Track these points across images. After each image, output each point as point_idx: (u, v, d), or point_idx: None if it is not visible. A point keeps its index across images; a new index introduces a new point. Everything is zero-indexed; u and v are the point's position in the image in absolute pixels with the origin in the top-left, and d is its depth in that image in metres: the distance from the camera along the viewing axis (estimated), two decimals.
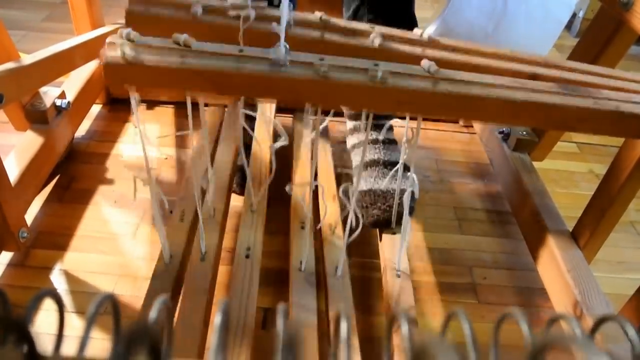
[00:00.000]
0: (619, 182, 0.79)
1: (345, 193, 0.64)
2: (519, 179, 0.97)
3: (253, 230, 0.75)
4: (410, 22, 0.99)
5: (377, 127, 0.93)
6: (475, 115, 0.52)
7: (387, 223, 0.80)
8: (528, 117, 0.52)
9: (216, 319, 0.17)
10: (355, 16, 0.92)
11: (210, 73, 0.47)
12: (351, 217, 0.63)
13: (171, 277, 0.66)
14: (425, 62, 0.53)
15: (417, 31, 0.60)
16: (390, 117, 0.92)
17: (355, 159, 0.93)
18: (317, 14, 0.57)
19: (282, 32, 0.49)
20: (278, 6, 0.53)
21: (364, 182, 0.85)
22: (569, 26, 1.91)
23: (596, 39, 0.89)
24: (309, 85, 0.47)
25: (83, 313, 0.77)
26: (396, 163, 0.86)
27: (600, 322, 0.21)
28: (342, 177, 0.97)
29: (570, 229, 0.87)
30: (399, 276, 0.73)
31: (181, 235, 0.73)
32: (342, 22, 0.57)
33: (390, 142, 0.93)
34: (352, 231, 0.65)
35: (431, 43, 0.58)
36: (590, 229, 0.83)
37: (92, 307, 0.17)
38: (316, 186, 0.68)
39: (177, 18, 0.57)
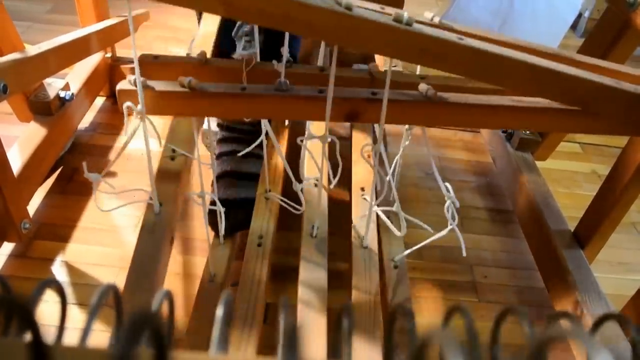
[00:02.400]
0: (622, 184, 0.78)
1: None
2: (522, 179, 0.97)
3: (266, 217, 0.74)
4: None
5: (242, 141, 0.89)
6: (495, 77, 0.48)
7: (242, 226, 0.79)
8: (548, 86, 0.48)
9: (218, 310, 0.17)
10: (236, 34, 0.89)
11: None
12: (375, 179, 0.60)
13: (162, 228, 0.61)
14: (422, 86, 0.52)
15: (427, 14, 0.59)
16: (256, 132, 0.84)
17: (217, 168, 0.89)
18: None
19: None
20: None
21: (217, 191, 0.83)
22: (574, 26, 1.90)
23: (602, 40, 0.89)
24: (329, 19, 0.42)
25: (84, 305, 0.77)
26: (249, 174, 0.86)
27: (602, 319, 0.21)
28: None
29: (572, 229, 0.87)
30: (396, 267, 0.72)
31: (172, 179, 0.66)
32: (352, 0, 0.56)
33: (248, 155, 0.91)
34: (378, 193, 0.62)
35: (442, 28, 0.58)
36: (592, 229, 0.83)
37: (95, 298, 0.17)
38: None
39: (183, 63, 0.57)
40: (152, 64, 0.55)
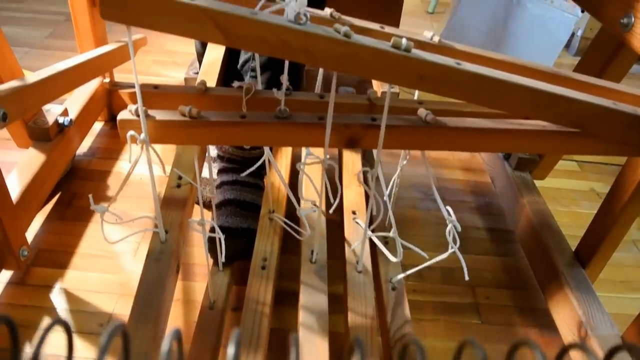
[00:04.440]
0: (621, 203, 0.79)
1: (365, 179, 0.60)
2: (521, 198, 0.97)
3: (270, 240, 0.73)
4: (298, 79, 0.98)
5: (243, 170, 0.88)
6: (495, 101, 0.48)
7: (242, 256, 0.80)
8: (547, 109, 0.48)
9: (229, 350, 0.17)
10: (242, 67, 0.92)
11: (221, 16, 0.42)
12: (371, 204, 0.60)
13: (169, 256, 0.61)
14: (421, 111, 0.53)
15: (427, 33, 0.60)
16: (257, 158, 0.84)
17: (218, 196, 0.89)
18: (328, 11, 0.57)
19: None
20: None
21: (217, 219, 0.84)
22: (567, 45, 1.92)
23: (597, 59, 0.90)
24: (328, 46, 0.43)
25: (83, 333, 0.76)
26: (251, 204, 0.86)
27: (613, 351, 0.21)
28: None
29: (573, 248, 0.87)
30: (394, 289, 0.72)
31: (178, 207, 0.66)
32: (353, 20, 0.57)
33: (250, 185, 0.91)
34: (373, 218, 0.62)
35: (441, 47, 0.58)
36: (594, 249, 0.83)
37: (103, 338, 0.17)
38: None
39: (183, 92, 0.57)
40: (152, 93, 0.55)
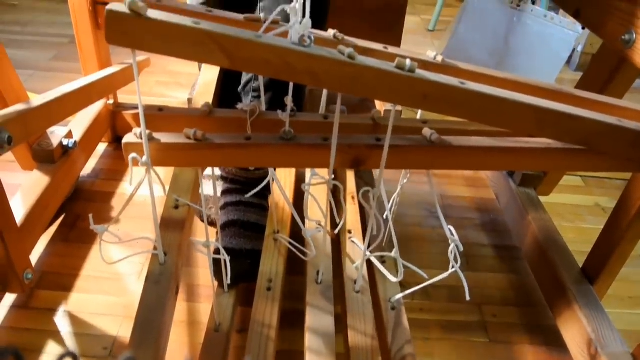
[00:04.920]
0: (628, 218, 0.78)
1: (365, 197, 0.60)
2: (526, 215, 0.96)
3: (275, 261, 0.73)
4: (300, 99, 0.98)
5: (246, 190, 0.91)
6: (500, 121, 0.48)
7: (247, 277, 0.79)
8: (551, 128, 0.49)
9: None
10: (244, 89, 0.92)
11: (226, 40, 0.42)
12: (371, 224, 0.60)
13: (168, 278, 0.61)
14: (426, 131, 0.53)
15: (430, 53, 0.60)
16: (261, 179, 0.84)
17: (222, 217, 0.89)
18: (332, 32, 0.57)
19: (299, 10, 0.46)
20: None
21: (221, 240, 0.84)
22: (568, 60, 1.93)
23: (599, 75, 0.90)
24: (332, 68, 0.43)
25: (88, 356, 0.75)
26: (255, 225, 0.85)
27: None
28: None
29: (579, 264, 0.86)
30: (393, 309, 0.71)
31: (176, 229, 0.67)
32: (356, 41, 0.57)
33: (254, 206, 0.90)
34: (373, 238, 0.62)
35: (445, 67, 0.58)
36: (601, 264, 0.82)
37: None
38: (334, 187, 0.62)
39: (187, 115, 0.57)
40: (156, 116, 0.55)
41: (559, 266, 0.85)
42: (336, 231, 0.71)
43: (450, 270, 0.65)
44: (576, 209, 1.19)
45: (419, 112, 0.61)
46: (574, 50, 1.92)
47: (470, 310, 0.88)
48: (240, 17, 0.56)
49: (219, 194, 0.93)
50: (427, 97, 0.45)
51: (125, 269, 0.90)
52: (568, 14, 0.87)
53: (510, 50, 1.07)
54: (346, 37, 0.57)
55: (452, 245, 0.64)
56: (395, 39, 1.33)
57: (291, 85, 0.54)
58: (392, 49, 0.58)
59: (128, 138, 0.48)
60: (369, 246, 0.64)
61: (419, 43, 2.01)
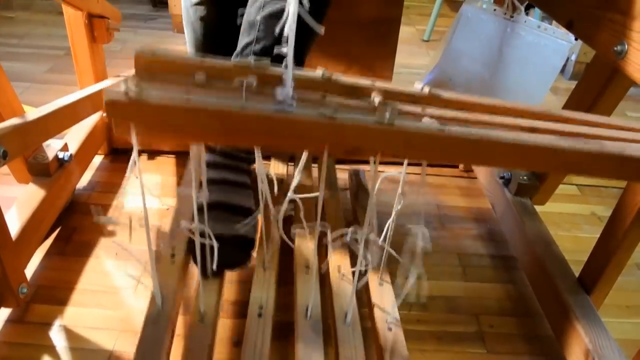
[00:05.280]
0: (624, 227, 0.78)
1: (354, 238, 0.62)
2: (522, 225, 0.97)
3: (265, 288, 0.74)
4: (300, 63, 0.97)
5: (232, 168, 0.89)
6: (483, 160, 0.51)
7: (230, 265, 0.79)
8: (535, 161, 0.51)
9: None
10: (242, 52, 0.92)
11: (215, 113, 0.45)
12: (360, 262, 0.62)
13: (164, 322, 0.64)
14: (426, 120, 0.54)
15: (417, 85, 0.60)
16: (248, 160, 0.89)
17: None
18: (320, 72, 0.58)
19: (289, 73, 0.48)
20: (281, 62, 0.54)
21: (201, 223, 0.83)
22: (562, 69, 1.95)
23: (593, 84, 0.91)
24: (315, 128, 0.46)
25: None
26: (239, 207, 0.83)
27: None
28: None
29: (576, 273, 0.86)
30: (390, 329, 0.72)
31: (173, 277, 0.72)
32: (344, 79, 0.58)
33: (240, 185, 0.89)
34: (361, 276, 0.64)
35: (432, 98, 0.59)
36: (598, 274, 0.82)
37: None
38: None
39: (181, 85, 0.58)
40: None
41: (555, 276, 0.85)
42: (322, 271, 0.75)
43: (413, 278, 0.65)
44: (572, 218, 1.19)
45: (423, 83, 0.61)
46: (567, 59, 1.93)
47: (467, 321, 0.88)
48: (230, 63, 0.57)
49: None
50: (408, 146, 0.47)
51: (121, 282, 0.89)
52: (561, 25, 0.88)
53: (504, 61, 1.07)
54: (333, 75, 0.58)
55: (419, 244, 0.65)
56: (390, 50, 1.34)
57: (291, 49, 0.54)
58: (379, 84, 0.58)
59: (112, 94, 0.47)
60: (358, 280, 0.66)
61: (414, 53, 2.02)
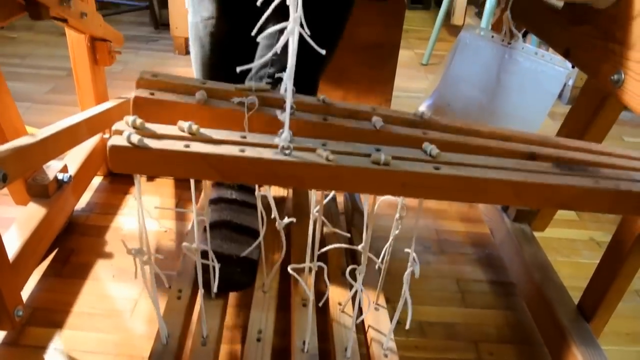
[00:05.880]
0: (623, 254, 0.78)
1: (352, 274, 0.63)
2: (521, 251, 0.96)
3: (264, 312, 0.74)
4: (312, 87, 0.98)
5: (241, 187, 0.89)
6: (478, 197, 0.52)
7: (236, 286, 0.79)
8: (530, 198, 0.53)
9: None
10: (256, 74, 0.92)
11: (213, 158, 0.47)
12: (359, 296, 0.62)
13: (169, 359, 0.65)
14: (426, 145, 0.54)
15: (417, 112, 0.61)
16: None
17: (211, 216, 0.85)
18: (320, 97, 0.58)
19: (287, 119, 0.49)
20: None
21: (210, 242, 0.82)
22: (560, 94, 1.96)
23: (587, 108, 0.92)
24: (313, 171, 0.48)
25: None
26: (247, 229, 0.84)
27: None
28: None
29: (575, 300, 0.86)
30: (386, 356, 0.71)
31: (179, 314, 0.72)
32: (343, 104, 0.58)
33: (249, 206, 0.88)
34: (361, 310, 0.64)
35: (430, 123, 0.59)
36: (597, 301, 0.82)
37: None
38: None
39: (181, 104, 0.58)
40: (148, 100, 0.55)
41: (554, 303, 0.85)
42: (320, 304, 0.76)
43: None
44: (571, 244, 1.19)
45: (422, 107, 0.62)
46: (565, 84, 1.95)
47: (466, 348, 0.88)
48: (232, 87, 0.57)
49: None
50: (405, 186, 0.49)
51: (118, 305, 0.89)
52: (558, 53, 0.89)
53: (502, 87, 1.08)
54: (333, 102, 0.59)
55: (407, 271, 0.66)
56: (389, 73, 1.35)
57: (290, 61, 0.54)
58: (380, 110, 0.59)
59: (118, 126, 0.48)
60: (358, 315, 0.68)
61: (413, 77, 2.04)
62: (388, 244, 0.72)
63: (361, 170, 0.48)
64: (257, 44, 0.91)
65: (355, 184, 0.49)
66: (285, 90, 0.49)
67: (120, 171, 0.46)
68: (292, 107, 0.56)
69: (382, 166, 0.48)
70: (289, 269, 0.65)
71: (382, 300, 0.80)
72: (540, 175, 0.52)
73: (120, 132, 0.47)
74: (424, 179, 0.49)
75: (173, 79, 0.57)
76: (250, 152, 0.47)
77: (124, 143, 0.46)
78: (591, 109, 0.92)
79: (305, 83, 0.98)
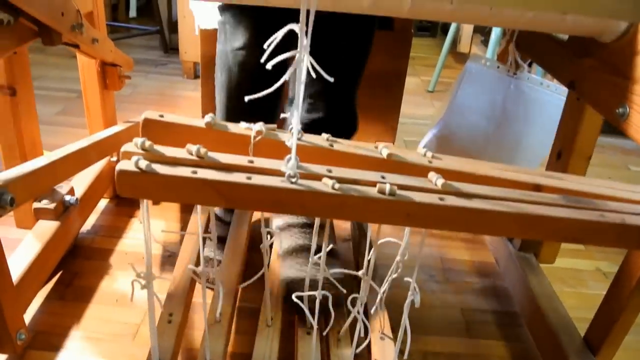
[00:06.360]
0: (631, 285, 0.77)
1: (353, 303, 0.63)
2: (526, 281, 0.96)
3: (269, 345, 0.74)
4: (350, 118, 1.00)
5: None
6: (483, 229, 0.53)
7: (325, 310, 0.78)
8: (534, 231, 0.53)
9: None
10: (291, 104, 0.92)
11: (221, 185, 0.48)
12: (359, 326, 0.62)
13: None
14: (432, 175, 0.54)
15: (420, 150, 0.61)
16: None
17: (282, 243, 0.85)
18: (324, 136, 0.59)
19: (294, 146, 0.50)
20: None
21: (288, 269, 0.81)
22: None
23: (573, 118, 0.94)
24: (319, 200, 0.48)
25: None
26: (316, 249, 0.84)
27: None
28: None
29: (581, 332, 0.85)
30: None
31: (169, 338, 0.73)
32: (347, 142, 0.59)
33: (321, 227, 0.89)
34: (360, 340, 0.64)
35: (435, 160, 0.60)
36: (604, 334, 0.81)
37: None
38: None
39: (190, 127, 0.59)
40: (157, 123, 0.56)
41: (560, 335, 0.84)
42: (324, 333, 0.76)
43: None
44: (577, 274, 1.18)
45: (426, 138, 0.62)
46: None
47: None
48: (241, 127, 0.58)
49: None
50: (410, 216, 0.50)
51: (120, 330, 0.88)
52: (563, 85, 0.89)
53: (508, 117, 1.09)
54: (338, 140, 0.60)
55: (409, 299, 0.66)
56: (396, 100, 1.37)
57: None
58: (381, 145, 0.59)
59: (127, 147, 0.49)
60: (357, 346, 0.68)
61: (419, 104, 2.06)
62: (391, 269, 0.72)
63: (367, 199, 0.48)
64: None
65: (360, 213, 0.49)
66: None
67: (128, 196, 0.47)
68: (299, 132, 0.57)
69: (387, 196, 0.48)
70: (293, 296, 0.65)
71: (387, 329, 0.79)
72: (545, 208, 0.52)
73: (129, 155, 0.48)
74: (429, 210, 0.49)
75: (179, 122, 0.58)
76: (257, 179, 0.48)
77: (132, 168, 0.47)
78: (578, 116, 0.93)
79: (344, 107, 1.00)
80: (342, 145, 0.59)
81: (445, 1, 0.58)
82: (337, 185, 0.48)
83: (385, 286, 0.72)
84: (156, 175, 0.47)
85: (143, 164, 0.47)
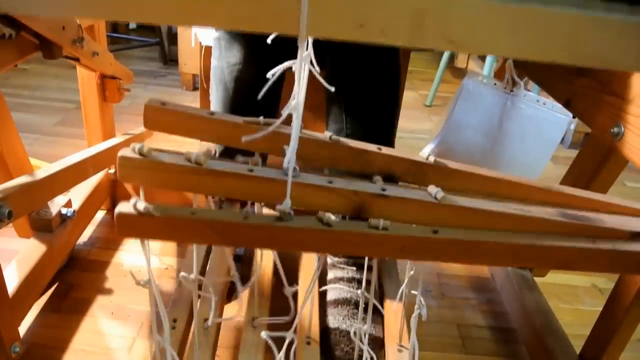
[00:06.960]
0: (626, 303, 0.78)
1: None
2: (521, 297, 0.96)
3: (254, 349, 0.73)
4: (388, 131, 1.01)
5: (357, 265, 0.93)
6: (476, 260, 0.53)
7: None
8: (528, 260, 0.53)
9: None
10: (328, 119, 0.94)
11: (218, 225, 0.48)
12: (366, 357, 0.62)
13: None
14: (431, 188, 0.55)
15: (423, 153, 0.62)
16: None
17: (329, 294, 0.90)
18: (327, 134, 0.60)
19: (289, 186, 0.50)
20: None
21: (333, 319, 0.84)
22: (562, 138, 1.98)
23: (593, 155, 0.93)
24: (314, 236, 0.49)
25: None
26: (366, 307, 0.86)
27: None
28: None
29: (577, 349, 0.85)
30: None
31: (173, 345, 0.71)
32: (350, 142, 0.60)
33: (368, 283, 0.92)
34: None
35: (437, 168, 0.60)
36: (600, 351, 0.81)
37: None
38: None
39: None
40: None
41: (556, 351, 0.84)
42: None
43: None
44: (573, 290, 1.18)
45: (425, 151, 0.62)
46: (566, 129, 1.96)
47: None
48: (240, 120, 0.58)
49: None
50: (404, 249, 0.50)
51: (115, 343, 0.88)
52: (559, 103, 0.90)
53: (505, 133, 1.09)
54: (340, 139, 0.60)
55: (415, 312, 0.66)
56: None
57: None
58: (385, 150, 0.60)
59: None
60: None
61: (417, 118, 2.07)
62: (403, 285, 0.73)
63: (361, 235, 0.49)
64: (280, 89, 0.94)
65: (355, 247, 0.50)
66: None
67: (128, 237, 0.48)
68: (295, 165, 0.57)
69: (381, 231, 0.49)
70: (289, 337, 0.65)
71: (405, 341, 0.80)
72: (538, 238, 0.52)
73: (127, 159, 0.48)
74: (422, 243, 0.50)
75: (180, 110, 0.58)
76: (253, 219, 0.49)
77: (130, 210, 0.47)
78: (598, 157, 0.93)
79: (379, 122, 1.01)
80: (344, 141, 0.60)
81: None
82: (331, 219, 0.49)
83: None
84: (154, 217, 0.47)
85: (141, 205, 0.47)
